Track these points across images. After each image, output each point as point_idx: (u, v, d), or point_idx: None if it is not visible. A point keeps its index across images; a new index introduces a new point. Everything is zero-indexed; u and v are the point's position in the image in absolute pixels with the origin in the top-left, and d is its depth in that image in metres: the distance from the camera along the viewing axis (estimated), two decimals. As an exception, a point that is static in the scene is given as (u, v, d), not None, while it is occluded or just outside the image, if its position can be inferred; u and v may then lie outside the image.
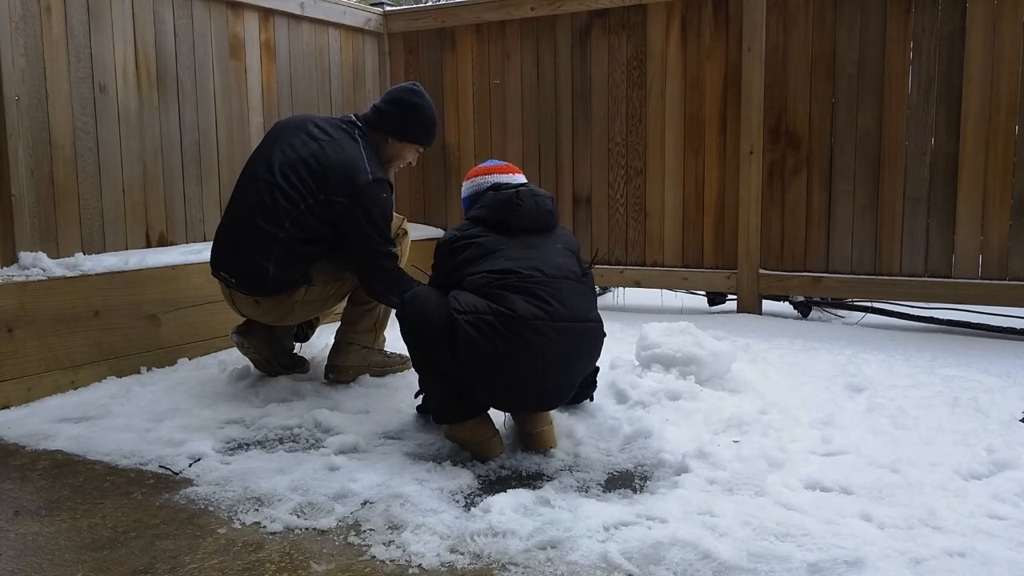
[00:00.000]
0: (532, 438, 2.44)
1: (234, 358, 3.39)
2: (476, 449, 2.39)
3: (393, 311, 2.81)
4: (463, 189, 2.79)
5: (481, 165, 2.82)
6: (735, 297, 4.48)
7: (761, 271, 4.36)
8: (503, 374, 2.28)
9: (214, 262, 3.02)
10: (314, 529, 1.98)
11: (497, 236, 2.49)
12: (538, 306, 2.29)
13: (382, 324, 3.20)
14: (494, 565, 1.79)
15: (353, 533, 1.95)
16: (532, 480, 2.27)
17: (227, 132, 4.15)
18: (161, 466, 2.39)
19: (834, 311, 4.54)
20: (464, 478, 2.24)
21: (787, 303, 4.54)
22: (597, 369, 2.70)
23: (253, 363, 3.18)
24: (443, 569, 1.79)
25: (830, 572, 1.71)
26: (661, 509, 1.99)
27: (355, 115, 3.11)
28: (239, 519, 2.04)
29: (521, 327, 2.25)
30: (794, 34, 4.21)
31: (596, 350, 2.47)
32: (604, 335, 2.48)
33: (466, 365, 2.27)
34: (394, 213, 3.03)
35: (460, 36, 5.06)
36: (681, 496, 2.07)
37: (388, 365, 3.20)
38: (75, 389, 3.12)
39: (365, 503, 2.10)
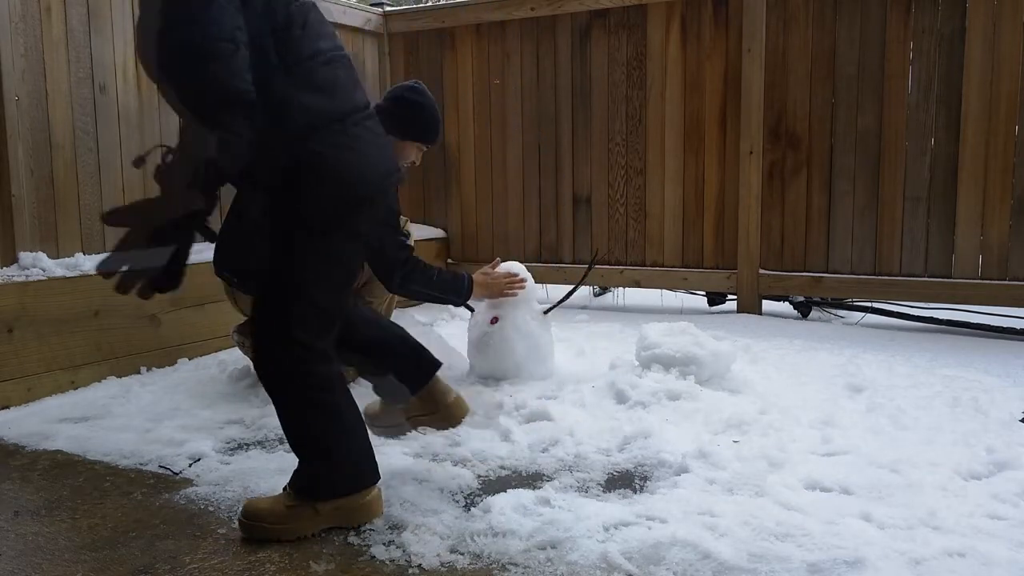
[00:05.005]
0: (449, 409, 2.35)
1: (234, 358, 3.39)
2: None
3: (393, 310, 2.80)
4: None
5: None
6: (735, 297, 4.48)
7: (761, 271, 4.36)
8: None
9: (216, 261, 3.01)
10: (314, 529, 1.98)
11: None
12: None
13: (382, 324, 3.19)
14: (494, 565, 1.79)
15: (353, 533, 1.95)
16: (532, 480, 2.26)
17: (227, 132, 4.14)
18: (161, 466, 2.39)
19: (834, 311, 4.54)
20: (464, 478, 2.24)
21: (787, 303, 4.54)
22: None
23: (253, 363, 3.17)
24: (443, 569, 1.79)
25: (830, 572, 1.71)
26: (661, 509, 1.99)
27: (355, 115, 3.10)
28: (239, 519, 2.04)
29: None
30: (794, 34, 4.21)
31: None
32: None
33: None
34: (395, 213, 3.02)
35: (460, 36, 5.05)
36: (681, 496, 2.07)
37: (388, 365, 3.19)
38: (75, 389, 3.12)
39: (365, 503, 2.10)
